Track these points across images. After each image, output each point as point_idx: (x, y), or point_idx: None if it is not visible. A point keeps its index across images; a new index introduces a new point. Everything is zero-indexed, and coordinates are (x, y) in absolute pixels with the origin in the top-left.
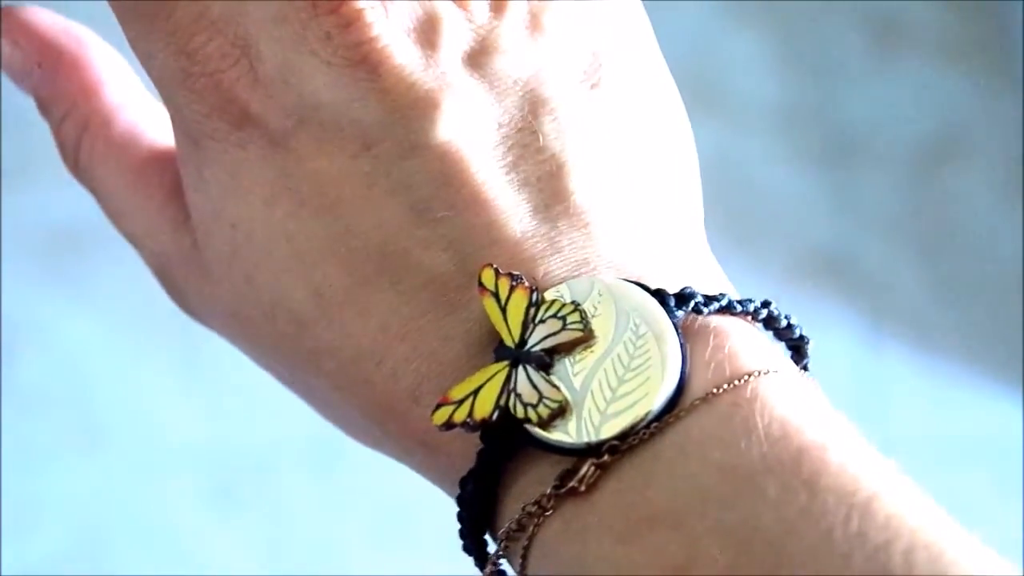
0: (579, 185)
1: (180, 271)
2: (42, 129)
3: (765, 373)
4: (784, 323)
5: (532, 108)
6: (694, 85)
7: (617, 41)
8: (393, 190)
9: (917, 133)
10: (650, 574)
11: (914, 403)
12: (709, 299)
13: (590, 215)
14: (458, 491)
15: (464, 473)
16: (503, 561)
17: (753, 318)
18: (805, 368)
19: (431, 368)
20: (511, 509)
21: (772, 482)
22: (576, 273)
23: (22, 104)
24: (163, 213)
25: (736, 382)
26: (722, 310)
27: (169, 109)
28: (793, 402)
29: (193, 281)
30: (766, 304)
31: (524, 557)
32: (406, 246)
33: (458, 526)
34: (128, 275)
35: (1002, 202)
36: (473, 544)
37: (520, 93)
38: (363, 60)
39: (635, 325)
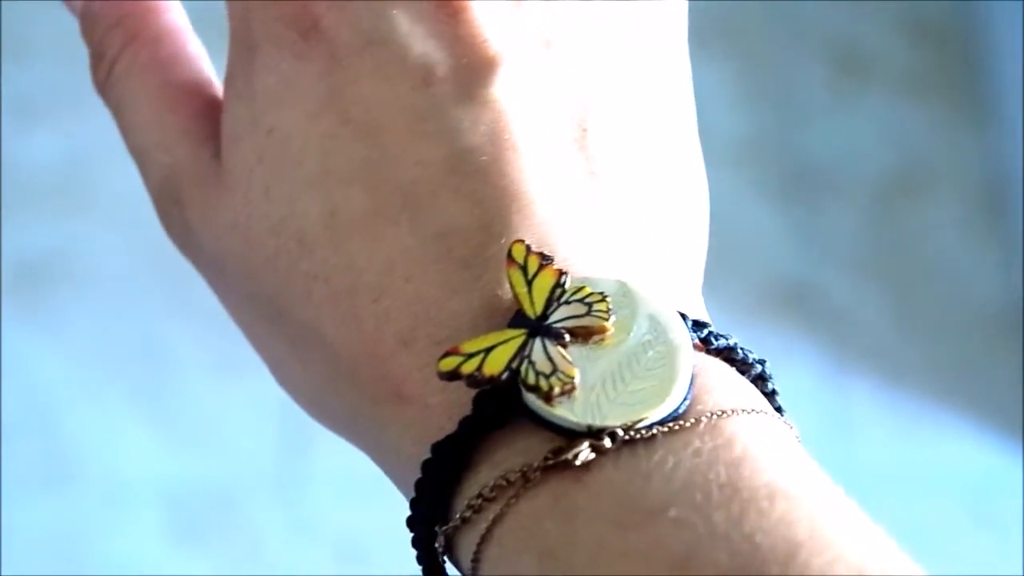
0: (615, 194)
1: (189, 181)
2: (15, 165)
3: (764, 413)
4: (770, 388)
5: (588, 107)
6: None
7: (671, 87)
8: (440, 132)
9: (880, 166)
10: (644, 563)
11: (878, 437)
12: (719, 335)
13: (620, 225)
14: (424, 456)
15: (441, 437)
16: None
17: (743, 370)
18: None
19: (430, 315)
20: (485, 477)
21: (776, 508)
22: (595, 268)
23: None
24: (188, 127)
25: (737, 412)
26: (726, 350)
27: (233, 15)
28: (788, 445)
29: (202, 191)
30: (761, 362)
31: (488, 531)
32: (435, 190)
33: (413, 495)
34: (95, 310)
35: (966, 235)
36: (427, 514)
37: (581, 89)
38: (447, 3)
39: (655, 331)
